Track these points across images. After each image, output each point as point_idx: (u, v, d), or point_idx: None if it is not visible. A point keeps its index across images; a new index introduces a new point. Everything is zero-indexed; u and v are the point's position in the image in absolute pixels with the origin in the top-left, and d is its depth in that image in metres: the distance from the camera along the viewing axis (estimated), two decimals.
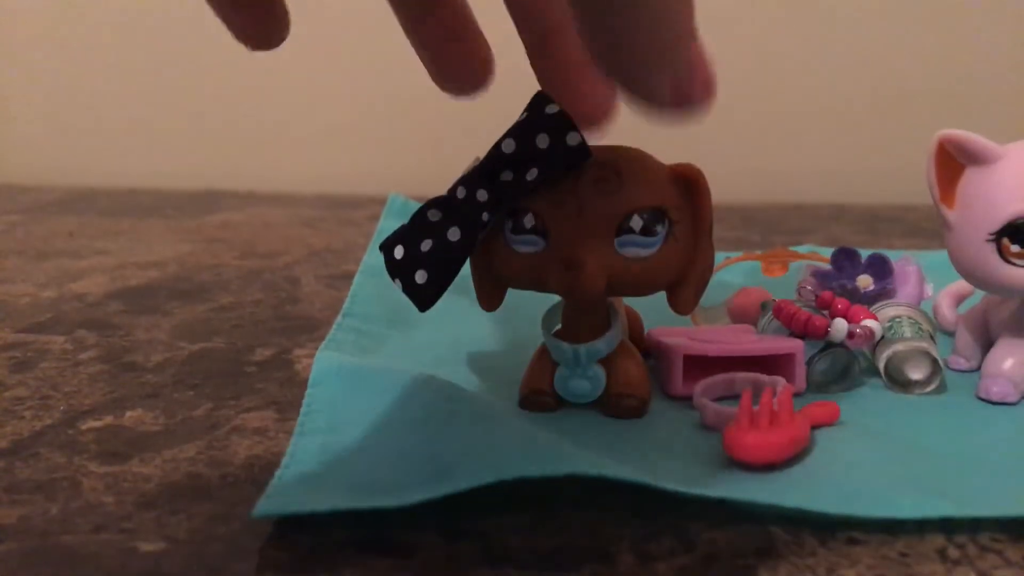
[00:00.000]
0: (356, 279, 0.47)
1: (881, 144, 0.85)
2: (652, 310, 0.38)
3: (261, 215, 0.76)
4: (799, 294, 0.38)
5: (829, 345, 0.33)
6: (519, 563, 0.22)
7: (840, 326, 0.33)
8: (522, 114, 0.28)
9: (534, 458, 0.25)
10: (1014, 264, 0.31)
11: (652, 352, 0.35)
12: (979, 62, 0.83)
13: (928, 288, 0.40)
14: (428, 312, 0.29)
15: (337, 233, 0.68)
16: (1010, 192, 0.31)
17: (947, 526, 0.24)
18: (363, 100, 0.91)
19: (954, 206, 0.33)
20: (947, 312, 0.40)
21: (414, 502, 0.23)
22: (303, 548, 0.23)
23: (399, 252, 0.29)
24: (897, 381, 0.34)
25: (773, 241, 0.63)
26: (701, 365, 0.32)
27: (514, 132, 0.27)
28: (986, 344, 0.35)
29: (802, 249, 0.50)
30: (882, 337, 0.34)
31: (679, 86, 0.23)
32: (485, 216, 0.28)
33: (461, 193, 0.28)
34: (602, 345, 0.30)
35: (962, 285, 0.40)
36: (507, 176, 0.28)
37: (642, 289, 0.30)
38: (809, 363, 0.33)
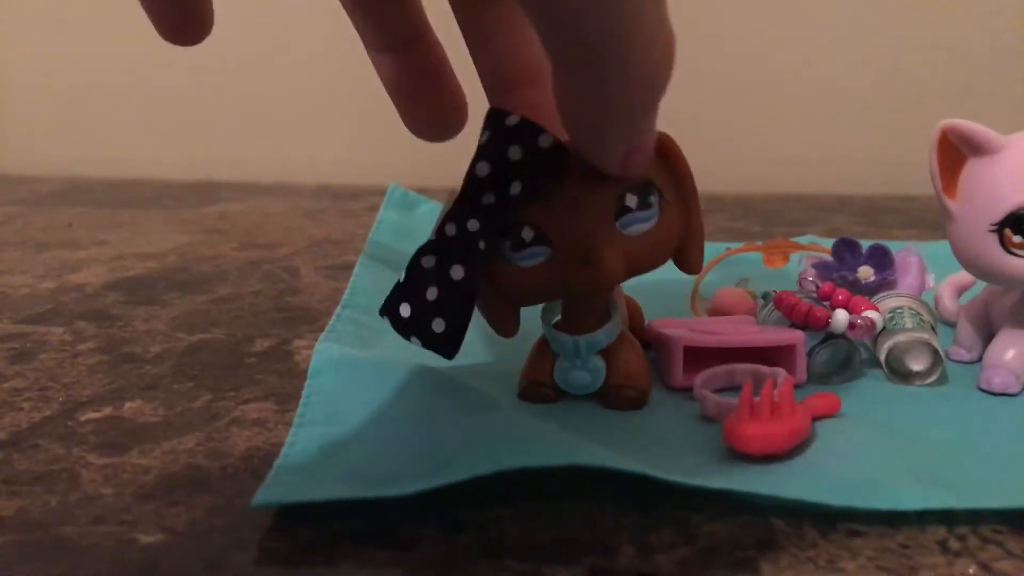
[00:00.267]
0: (356, 270, 0.46)
1: (882, 134, 0.85)
2: (652, 301, 0.38)
3: (260, 206, 0.76)
4: (800, 285, 0.38)
5: (830, 336, 0.33)
6: (518, 555, 0.22)
7: (841, 317, 0.32)
8: (482, 133, 0.27)
9: (533, 449, 0.25)
10: (1016, 255, 0.31)
11: (652, 343, 0.35)
12: (982, 52, 0.83)
13: (929, 279, 0.40)
14: (458, 352, 0.28)
15: (337, 224, 0.68)
16: (1013, 182, 0.31)
17: (948, 518, 0.24)
18: (362, 91, 0.90)
19: (956, 196, 0.32)
20: (948, 303, 0.40)
21: (413, 492, 0.23)
22: (302, 539, 0.23)
23: (406, 311, 0.28)
24: (898, 372, 0.34)
25: (774, 231, 0.63)
26: (701, 356, 0.32)
27: (483, 154, 0.27)
28: (987, 335, 0.35)
29: (803, 240, 0.50)
30: (883, 328, 0.34)
31: (628, 154, 0.25)
32: (481, 245, 0.28)
33: (451, 230, 0.28)
34: (602, 336, 0.30)
35: (963, 276, 0.40)
36: (489, 199, 0.27)
37: (655, 261, 0.30)
38: (810, 354, 0.33)
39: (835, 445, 0.28)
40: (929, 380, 0.33)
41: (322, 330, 0.38)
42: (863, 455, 0.27)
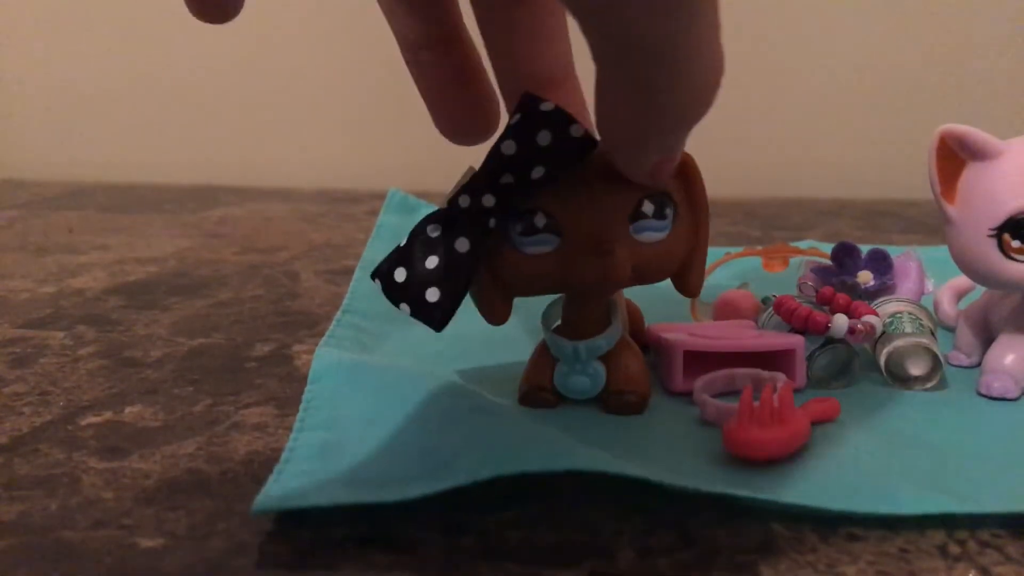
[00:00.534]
0: (356, 275, 0.47)
1: (882, 139, 0.85)
2: (652, 305, 0.38)
3: (260, 210, 0.76)
4: (800, 290, 0.38)
5: (829, 341, 0.33)
6: (519, 558, 0.22)
7: (840, 322, 0.32)
8: (512, 115, 0.27)
9: (534, 453, 0.25)
10: (1015, 259, 0.31)
11: (652, 347, 0.35)
12: (980, 57, 0.83)
13: (929, 284, 0.40)
14: (447, 326, 0.28)
15: (337, 228, 0.68)
16: (1011, 187, 0.31)
17: (947, 522, 0.24)
18: (363, 95, 0.90)
19: (955, 201, 0.33)
20: (948, 308, 0.40)
21: (414, 497, 0.23)
22: (303, 543, 0.23)
23: (401, 275, 0.28)
24: (898, 377, 0.34)
25: (774, 236, 0.63)
26: (701, 361, 0.32)
27: (512, 133, 0.27)
28: (987, 340, 0.35)
29: (802, 245, 0.50)
30: (883, 333, 0.34)
31: (659, 164, 0.25)
32: (492, 223, 0.28)
33: (465, 202, 0.27)
34: (602, 341, 0.30)
35: (963, 280, 0.40)
36: (508, 179, 0.27)
37: (661, 273, 0.30)
38: (809, 359, 0.33)
39: (834, 449, 0.28)
40: (928, 385, 0.33)
41: (322, 335, 0.38)
42: (862, 459, 0.27)
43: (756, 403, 0.27)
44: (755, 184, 0.84)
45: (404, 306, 0.28)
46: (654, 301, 0.38)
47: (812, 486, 0.25)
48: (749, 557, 0.22)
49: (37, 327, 0.42)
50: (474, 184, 0.27)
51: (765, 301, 0.39)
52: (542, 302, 0.32)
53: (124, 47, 0.93)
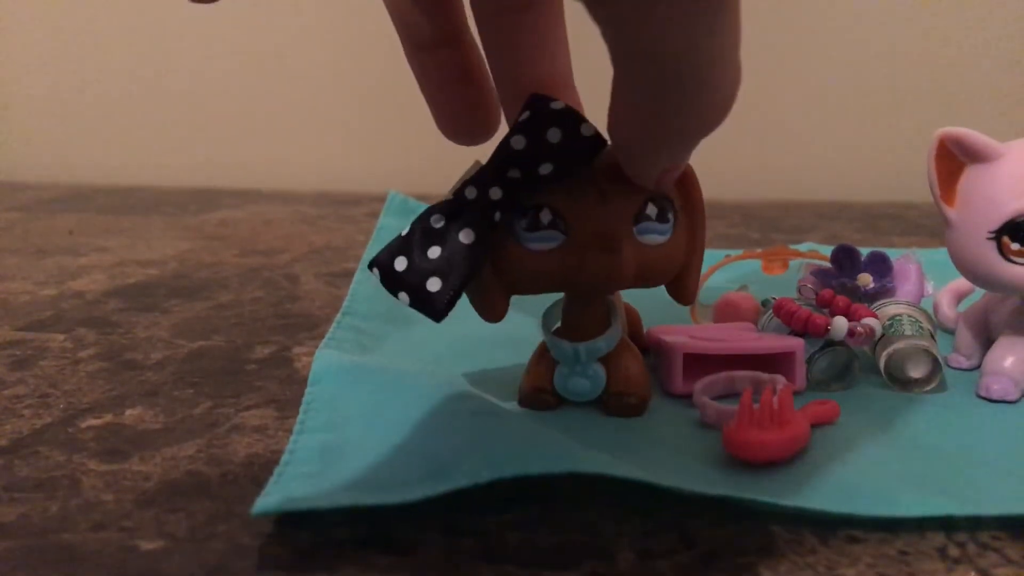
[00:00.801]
0: (356, 277, 0.47)
1: (881, 141, 0.85)
2: (651, 308, 0.38)
3: (261, 212, 0.76)
4: (799, 292, 0.38)
5: (829, 343, 0.33)
6: (519, 560, 0.22)
7: (840, 324, 0.32)
8: (520, 113, 0.27)
9: (534, 456, 0.25)
10: (1014, 262, 0.31)
11: (652, 350, 0.35)
12: (979, 59, 0.83)
13: (928, 286, 0.40)
14: (447, 316, 0.28)
15: (337, 230, 0.68)
16: (1010, 190, 0.31)
17: (947, 524, 0.24)
18: (363, 97, 0.91)
19: (954, 204, 0.33)
20: (947, 310, 0.40)
21: (414, 499, 0.23)
22: (303, 546, 0.23)
23: (401, 264, 0.27)
24: (897, 379, 0.34)
25: (773, 238, 0.63)
26: (701, 363, 0.32)
27: (521, 128, 0.27)
28: (986, 342, 0.35)
29: (802, 247, 0.50)
30: (882, 335, 0.34)
31: (666, 171, 0.26)
32: (497, 216, 0.28)
33: (471, 193, 0.27)
34: (602, 343, 0.30)
35: (962, 283, 0.40)
36: (515, 174, 0.27)
37: (663, 275, 0.30)
38: (809, 361, 0.33)
39: (834, 452, 0.28)
40: (928, 387, 0.33)
41: (322, 337, 0.38)
42: (862, 462, 0.27)
43: (756, 405, 0.27)
44: (755, 186, 0.84)
45: (403, 295, 0.27)
46: (654, 304, 0.38)
47: (812, 488, 0.25)
48: (749, 559, 0.22)
49: (37, 329, 0.42)
50: (481, 176, 0.27)
51: (765, 303, 0.39)
52: (542, 303, 0.32)
53: (125, 50, 0.93)
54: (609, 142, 0.26)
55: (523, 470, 0.24)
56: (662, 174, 0.26)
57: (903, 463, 0.27)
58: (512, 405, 0.32)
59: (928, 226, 0.69)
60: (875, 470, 0.26)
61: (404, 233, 0.28)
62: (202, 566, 0.22)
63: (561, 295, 0.31)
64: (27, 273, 0.53)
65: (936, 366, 0.33)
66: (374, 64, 0.87)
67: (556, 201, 0.28)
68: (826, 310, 0.35)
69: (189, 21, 0.91)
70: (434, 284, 0.27)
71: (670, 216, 0.29)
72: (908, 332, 0.34)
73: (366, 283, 0.46)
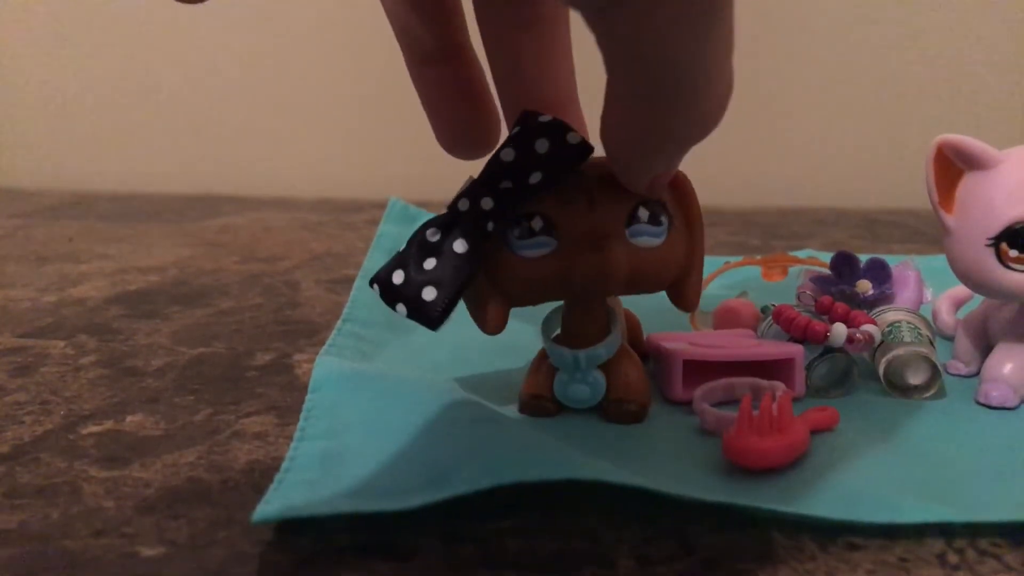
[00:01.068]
0: (356, 284, 0.47)
1: (880, 148, 0.85)
2: (651, 314, 0.38)
3: (261, 219, 0.76)
4: (799, 299, 0.38)
5: (828, 350, 0.33)
6: (519, 567, 0.22)
7: (839, 331, 0.33)
8: (512, 128, 0.28)
9: (534, 462, 0.25)
10: (1013, 268, 0.31)
11: (652, 356, 0.35)
12: (978, 67, 0.84)
13: (927, 292, 0.40)
14: (443, 325, 0.28)
15: (337, 237, 0.68)
16: (1009, 197, 0.31)
17: (946, 531, 0.24)
18: (363, 104, 0.91)
19: (953, 211, 0.33)
20: (946, 317, 0.40)
21: (415, 506, 0.23)
22: (303, 552, 0.23)
23: (399, 277, 0.28)
24: (896, 386, 0.34)
25: (773, 245, 0.64)
26: (701, 370, 0.32)
27: (511, 142, 0.27)
28: (985, 349, 0.35)
29: (801, 254, 0.50)
30: (881, 342, 0.34)
31: (656, 179, 0.26)
32: (490, 226, 0.28)
33: (464, 205, 0.28)
34: (602, 350, 0.30)
35: (961, 290, 0.40)
36: (507, 184, 0.28)
37: (658, 279, 0.30)
38: (808, 368, 0.33)
39: (833, 459, 0.28)
40: (927, 394, 0.33)
41: (323, 344, 0.38)
42: (861, 469, 0.27)
43: (755, 412, 0.27)
44: (754, 193, 0.84)
45: (400, 306, 0.28)
46: (653, 310, 0.38)
47: (811, 495, 0.25)
48: (748, 566, 0.22)
49: (38, 336, 0.42)
50: (473, 188, 0.28)
51: (764, 310, 0.39)
52: (542, 310, 0.32)
53: (125, 57, 0.94)
54: (596, 150, 0.26)
55: (523, 477, 0.24)
56: (653, 179, 0.26)
57: (902, 470, 0.27)
58: (512, 412, 0.32)
59: (927, 233, 0.69)
60: (874, 477, 0.27)
61: (402, 249, 0.28)
62: (203, 573, 0.22)
63: (561, 302, 0.31)
64: (28, 280, 0.53)
65: (935, 373, 0.33)
66: (375, 71, 0.87)
67: (546, 208, 0.28)
68: (825, 317, 0.35)
69: (190, 28, 0.91)
70: (429, 293, 0.27)
71: (663, 219, 0.29)
72: (907, 339, 0.34)
73: (367, 290, 0.46)
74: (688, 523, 0.24)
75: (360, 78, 0.90)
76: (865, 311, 0.36)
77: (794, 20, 0.84)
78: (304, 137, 0.93)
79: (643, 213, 0.28)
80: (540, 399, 0.31)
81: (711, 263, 0.36)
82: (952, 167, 0.33)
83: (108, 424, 0.31)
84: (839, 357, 0.34)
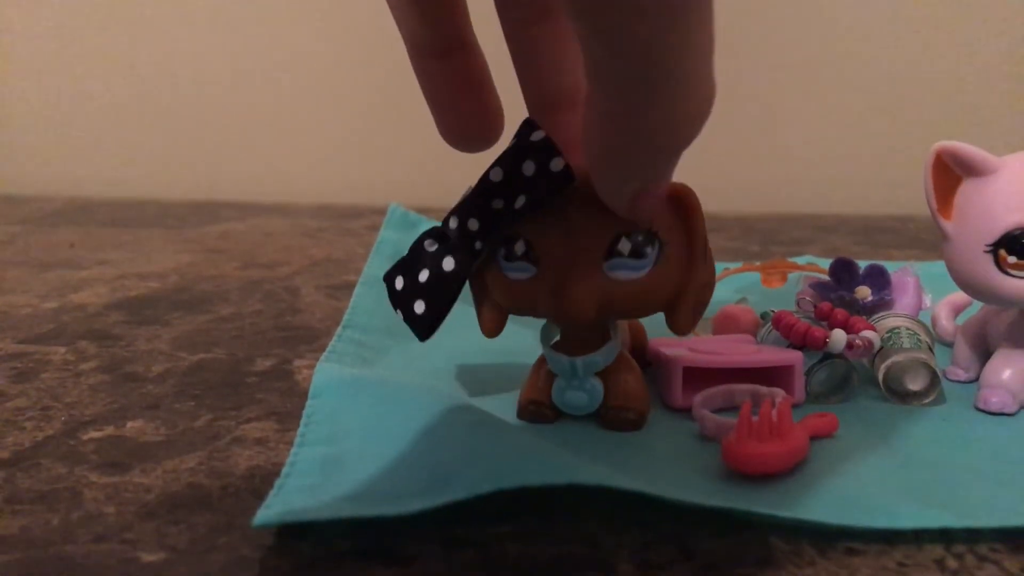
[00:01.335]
0: (356, 290, 0.47)
1: (879, 155, 0.85)
2: (653, 320, 0.38)
3: (261, 225, 0.76)
4: (798, 305, 0.38)
5: (828, 356, 0.33)
6: (519, 572, 0.22)
7: (839, 337, 0.33)
8: (512, 140, 0.27)
9: (534, 467, 0.25)
10: (1011, 275, 0.31)
11: (652, 362, 0.35)
12: (977, 73, 0.84)
13: (926, 299, 0.40)
14: (431, 337, 0.29)
15: (337, 243, 0.68)
16: (1007, 203, 0.31)
17: (945, 536, 0.24)
18: (363, 110, 0.91)
19: (951, 217, 0.33)
20: (946, 323, 0.40)
21: (414, 511, 0.23)
22: (304, 558, 0.23)
23: (399, 283, 0.30)
24: (896, 392, 0.34)
25: (772, 251, 0.64)
26: (701, 376, 0.33)
27: (501, 161, 0.27)
28: (984, 355, 0.35)
29: (800, 260, 0.50)
30: (880, 348, 0.34)
31: (638, 196, 0.25)
32: (478, 245, 0.28)
33: (453, 223, 0.29)
34: (599, 358, 0.31)
35: (960, 296, 0.40)
36: (498, 204, 0.28)
37: (635, 311, 0.30)
38: (808, 374, 0.33)
39: (833, 464, 0.28)
40: (927, 400, 0.33)
41: (323, 350, 0.38)
42: (861, 474, 0.27)
43: (755, 418, 0.27)
44: (754, 199, 0.84)
45: (398, 312, 0.30)
46: (655, 317, 0.38)
47: (810, 500, 0.25)
48: (748, 571, 0.22)
49: (39, 342, 0.42)
50: (463, 206, 0.28)
51: (764, 316, 0.39)
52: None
53: (126, 64, 0.94)
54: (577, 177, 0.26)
55: (522, 481, 0.24)
56: (634, 199, 0.25)
57: (902, 475, 0.27)
58: (511, 418, 0.32)
59: (926, 239, 0.69)
60: (874, 482, 0.27)
61: (407, 253, 0.30)
62: None
63: None
64: (28, 286, 0.53)
65: (934, 379, 0.33)
66: (375, 77, 0.87)
67: (528, 233, 0.28)
68: (824, 323, 0.35)
69: (190, 35, 0.92)
70: (419, 307, 0.29)
71: (648, 252, 0.28)
72: (906, 345, 0.34)
73: (367, 296, 0.46)
74: (688, 528, 0.24)
75: (360, 84, 0.90)
76: (864, 317, 0.36)
77: (793, 27, 0.85)
78: (304, 143, 0.93)
79: (624, 246, 0.27)
80: (538, 405, 0.32)
81: None
82: (951, 174, 0.33)
83: (109, 430, 0.31)
84: (838, 363, 0.34)
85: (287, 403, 0.34)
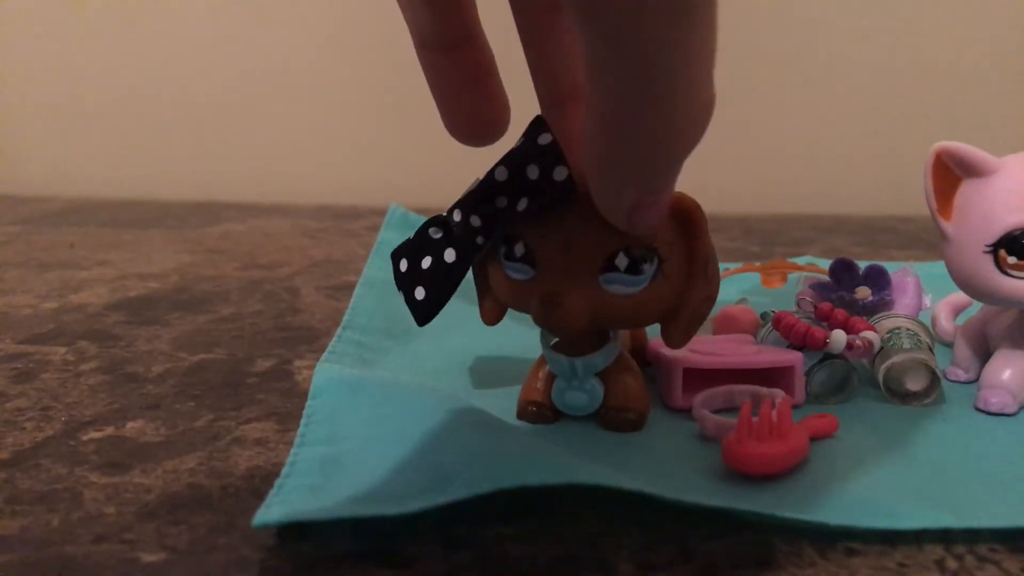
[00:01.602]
0: (356, 290, 0.47)
1: (879, 155, 0.85)
2: None
3: (262, 226, 0.76)
4: (798, 305, 0.38)
5: (828, 356, 0.33)
6: (518, 572, 0.22)
7: (839, 337, 0.33)
8: (520, 139, 0.27)
9: (534, 468, 0.25)
10: (1011, 275, 0.31)
11: (652, 363, 0.35)
12: (977, 74, 0.84)
13: (926, 299, 0.40)
14: (428, 323, 0.30)
15: (337, 244, 0.68)
16: (1007, 204, 0.31)
17: (945, 537, 0.24)
18: (364, 111, 0.91)
19: (951, 218, 0.33)
20: (945, 323, 0.40)
21: (415, 510, 0.23)
22: (304, 558, 0.23)
23: (403, 265, 0.30)
24: (896, 392, 0.34)
25: (772, 251, 0.64)
26: (701, 377, 0.33)
27: (507, 160, 0.27)
28: (984, 355, 0.35)
29: (801, 261, 0.50)
30: (880, 348, 0.34)
31: (636, 208, 0.24)
32: (480, 240, 0.29)
33: (457, 216, 0.29)
34: (599, 359, 0.31)
35: (960, 296, 0.40)
36: (501, 203, 0.28)
37: (628, 324, 0.30)
38: (808, 374, 0.33)
39: (833, 465, 0.28)
40: (926, 400, 0.33)
41: (323, 350, 0.38)
42: (861, 475, 0.27)
43: (755, 419, 0.27)
44: (754, 200, 0.84)
45: (401, 293, 0.30)
46: None
47: (811, 501, 0.25)
48: (748, 571, 0.22)
49: (39, 342, 0.42)
50: (467, 201, 0.29)
51: (764, 317, 0.39)
52: None
53: (126, 63, 0.94)
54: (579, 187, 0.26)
55: (523, 482, 0.24)
56: (633, 211, 0.24)
57: (902, 476, 0.27)
58: (511, 418, 0.32)
59: (926, 239, 0.69)
60: (874, 483, 0.27)
61: (413, 235, 0.30)
62: None
63: None
64: (29, 286, 0.53)
65: (934, 379, 0.33)
66: (375, 77, 0.87)
67: (529, 236, 0.28)
68: (825, 323, 0.35)
69: (191, 35, 0.92)
70: (419, 293, 0.30)
71: (645, 268, 0.27)
72: (906, 345, 0.34)
73: (367, 296, 0.46)
74: (688, 529, 0.24)
75: (360, 85, 0.90)
76: (864, 318, 0.36)
77: (793, 28, 0.85)
78: (304, 144, 0.93)
79: (622, 261, 0.27)
80: (538, 406, 0.32)
81: None
82: (950, 174, 0.33)
83: (109, 430, 0.31)
84: (838, 364, 0.34)
85: (287, 403, 0.34)
